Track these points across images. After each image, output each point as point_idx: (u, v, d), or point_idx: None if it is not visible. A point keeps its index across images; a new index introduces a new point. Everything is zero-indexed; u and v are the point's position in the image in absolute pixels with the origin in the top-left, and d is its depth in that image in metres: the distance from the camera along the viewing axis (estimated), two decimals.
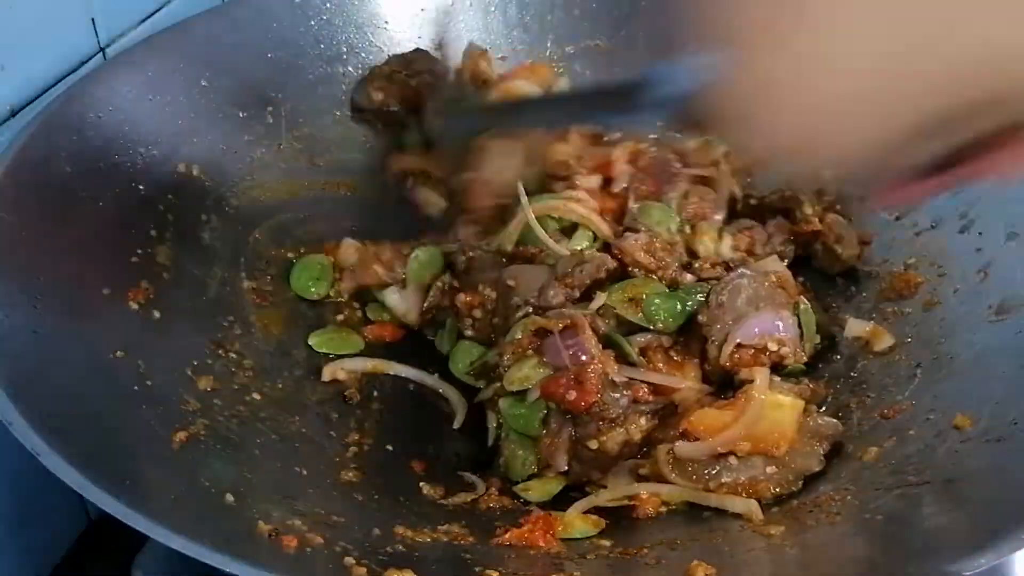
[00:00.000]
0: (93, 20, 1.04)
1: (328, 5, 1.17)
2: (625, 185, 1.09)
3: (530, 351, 0.91)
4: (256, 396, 0.93)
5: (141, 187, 0.97)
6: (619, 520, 0.86)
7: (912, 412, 0.86)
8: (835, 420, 0.89)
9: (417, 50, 1.18)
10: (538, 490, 0.90)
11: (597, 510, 0.86)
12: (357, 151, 1.19)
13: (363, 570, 0.69)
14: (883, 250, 1.04)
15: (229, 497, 0.74)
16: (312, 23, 1.17)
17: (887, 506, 0.76)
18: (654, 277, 0.98)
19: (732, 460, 0.86)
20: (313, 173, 1.15)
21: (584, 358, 0.87)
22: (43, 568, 1.01)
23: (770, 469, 0.85)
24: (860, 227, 1.07)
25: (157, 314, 0.90)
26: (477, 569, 0.75)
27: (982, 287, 0.92)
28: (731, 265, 1.00)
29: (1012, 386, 0.81)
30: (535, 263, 1.01)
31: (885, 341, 0.95)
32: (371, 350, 1.04)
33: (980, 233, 0.95)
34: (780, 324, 0.93)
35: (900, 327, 0.96)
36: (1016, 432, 0.76)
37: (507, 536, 0.81)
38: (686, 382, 0.93)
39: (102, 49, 1.06)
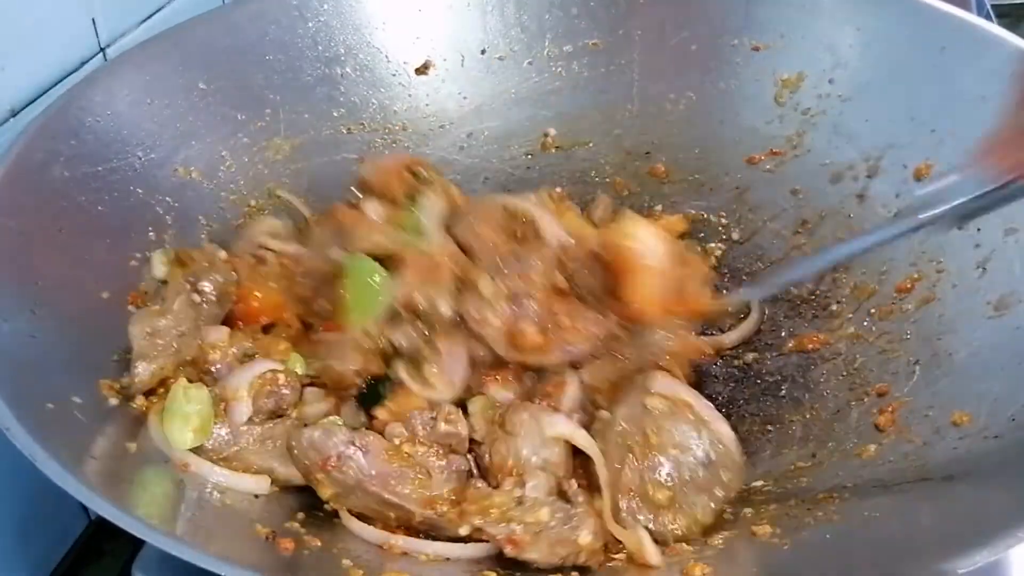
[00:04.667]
0: (94, 20, 1.04)
1: (325, 7, 1.17)
2: None
3: None
4: None
5: (140, 190, 0.97)
6: None
7: (910, 409, 0.86)
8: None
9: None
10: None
11: None
12: None
13: (360, 572, 0.70)
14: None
15: (229, 500, 0.74)
16: (310, 24, 1.16)
17: (885, 504, 0.76)
18: None
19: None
20: None
21: None
22: (44, 568, 1.02)
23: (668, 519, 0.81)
24: (859, 223, 1.06)
25: None
26: (477, 569, 0.76)
27: (980, 283, 0.91)
28: None
29: (1010, 383, 0.81)
30: None
31: None
32: None
33: (978, 229, 0.94)
34: None
35: (898, 323, 0.96)
36: (1015, 429, 0.76)
37: None
38: None
39: (103, 49, 1.06)
